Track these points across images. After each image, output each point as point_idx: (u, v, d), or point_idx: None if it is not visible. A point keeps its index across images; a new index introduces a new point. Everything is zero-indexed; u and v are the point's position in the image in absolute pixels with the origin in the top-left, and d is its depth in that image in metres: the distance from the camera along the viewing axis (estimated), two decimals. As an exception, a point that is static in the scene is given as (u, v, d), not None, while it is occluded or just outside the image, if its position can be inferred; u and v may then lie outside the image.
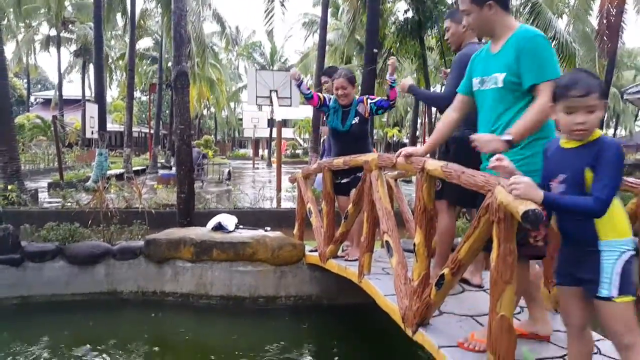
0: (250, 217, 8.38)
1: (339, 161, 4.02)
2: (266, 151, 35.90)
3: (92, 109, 13.37)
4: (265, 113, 31.18)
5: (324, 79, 4.77)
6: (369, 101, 4.11)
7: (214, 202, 10.03)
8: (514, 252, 1.97)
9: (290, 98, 12.95)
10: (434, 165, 2.60)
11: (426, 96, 3.83)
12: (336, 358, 3.99)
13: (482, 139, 2.25)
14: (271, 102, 12.62)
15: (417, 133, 25.89)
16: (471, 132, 3.34)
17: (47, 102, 37.39)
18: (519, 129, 2.15)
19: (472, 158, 3.24)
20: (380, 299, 3.18)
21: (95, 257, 4.89)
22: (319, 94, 4.28)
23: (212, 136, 43.04)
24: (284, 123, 29.11)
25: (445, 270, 2.39)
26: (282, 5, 15.42)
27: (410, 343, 2.75)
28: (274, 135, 21.50)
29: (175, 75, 6.05)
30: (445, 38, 3.46)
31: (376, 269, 3.66)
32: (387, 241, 3.13)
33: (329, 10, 18.51)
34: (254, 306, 4.78)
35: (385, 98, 4.07)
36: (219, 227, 5.09)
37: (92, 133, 13.35)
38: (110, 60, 29.85)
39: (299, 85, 4.25)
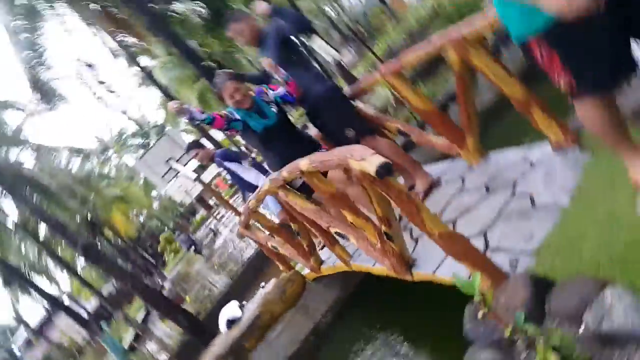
0: (249, 273, 8.48)
1: (253, 201, 4.14)
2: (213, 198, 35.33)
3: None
4: (185, 173, 30.56)
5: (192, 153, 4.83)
6: (271, 92, 3.53)
7: (209, 279, 9.83)
8: (403, 191, 2.17)
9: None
10: (305, 164, 2.76)
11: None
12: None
13: None
14: (175, 170, 12.42)
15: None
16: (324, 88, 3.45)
17: None
18: None
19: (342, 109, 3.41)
20: (372, 270, 3.39)
21: None
22: (218, 113, 3.44)
23: (165, 229, 41.91)
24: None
25: (384, 228, 2.60)
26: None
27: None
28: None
29: (83, 253, 5.88)
30: (244, 44, 3.43)
31: (355, 248, 3.81)
32: (335, 232, 3.31)
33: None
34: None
35: (287, 91, 3.51)
36: (232, 322, 5.11)
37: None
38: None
39: (192, 119, 3.34)
